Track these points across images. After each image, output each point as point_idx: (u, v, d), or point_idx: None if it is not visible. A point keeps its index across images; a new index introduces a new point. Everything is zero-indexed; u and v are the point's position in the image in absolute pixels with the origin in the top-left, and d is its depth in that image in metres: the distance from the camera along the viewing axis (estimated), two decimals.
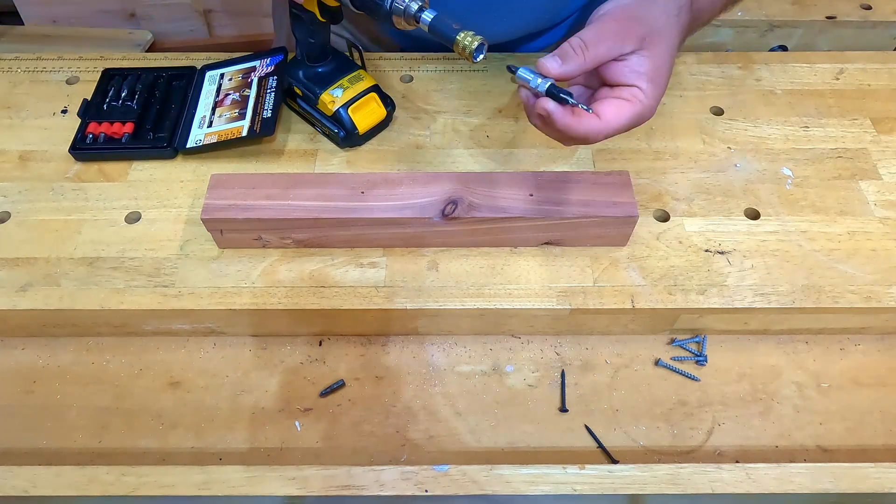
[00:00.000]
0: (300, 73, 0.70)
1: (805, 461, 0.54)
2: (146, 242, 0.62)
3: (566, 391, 0.58)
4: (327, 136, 0.71)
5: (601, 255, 0.61)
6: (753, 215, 0.64)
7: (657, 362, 0.60)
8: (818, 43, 1.16)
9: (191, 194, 0.66)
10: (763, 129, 0.72)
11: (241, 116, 0.70)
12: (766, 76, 0.78)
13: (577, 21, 0.84)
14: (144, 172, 0.68)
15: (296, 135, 0.72)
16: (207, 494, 0.49)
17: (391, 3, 0.52)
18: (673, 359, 0.60)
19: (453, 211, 0.59)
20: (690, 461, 0.55)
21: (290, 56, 0.74)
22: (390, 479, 0.49)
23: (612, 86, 0.50)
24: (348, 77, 0.69)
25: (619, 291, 0.58)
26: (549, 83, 0.48)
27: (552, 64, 0.48)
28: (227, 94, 0.73)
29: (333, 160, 0.69)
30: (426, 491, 0.49)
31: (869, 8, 1.15)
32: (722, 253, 0.61)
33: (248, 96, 0.72)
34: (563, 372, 0.59)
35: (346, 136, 0.68)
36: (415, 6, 0.51)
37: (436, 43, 0.52)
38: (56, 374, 0.60)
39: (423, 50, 0.81)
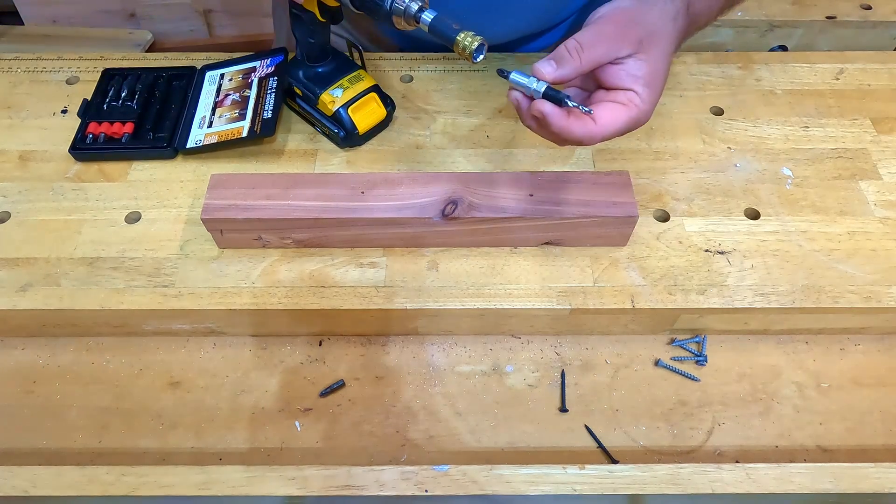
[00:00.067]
0: (300, 73, 0.70)
1: (805, 461, 0.54)
2: (146, 242, 0.62)
3: (566, 391, 0.58)
4: (327, 136, 0.71)
5: (601, 255, 0.61)
6: (753, 215, 0.64)
7: (657, 362, 0.60)
8: (818, 43, 1.16)
9: (191, 194, 0.66)
10: (763, 129, 0.72)
11: (242, 117, 0.70)
12: (766, 76, 0.78)
13: (576, 22, 0.84)
14: (144, 172, 0.68)
15: (296, 135, 0.72)
16: (207, 494, 0.49)
17: (391, 3, 0.52)
18: (673, 359, 0.60)
19: (453, 211, 0.59)
20: (690, 461, 0.55)
21: (290, 56, 0.75)
22: (390, 479, 0.49)
23: (607, 89, 0.50)
24: (348, 77, 0.69)
25: (619, 291, 0.58)
26: (545, 86, 0.47)
27: (547, 68, 0.48)
28: (227, 95, 0.73)
29: (333, 160, 0.69)
30: (426, 491, 0.49)
31: (869, 8, 1.15)
32: (722, 253, 0.61)
33: (249, 97, 0.72)
34: (563, 372, 0.59)
35: (346, 136, 0.68)
36: (415, 6, 0.51)
37: (435, 44, 0.52)
38: (56, 374, 0.60)
39: (422, 51, 0.81)
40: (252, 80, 0.74)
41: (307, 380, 0.59)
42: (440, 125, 0.73)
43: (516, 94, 0.49)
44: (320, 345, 0.61)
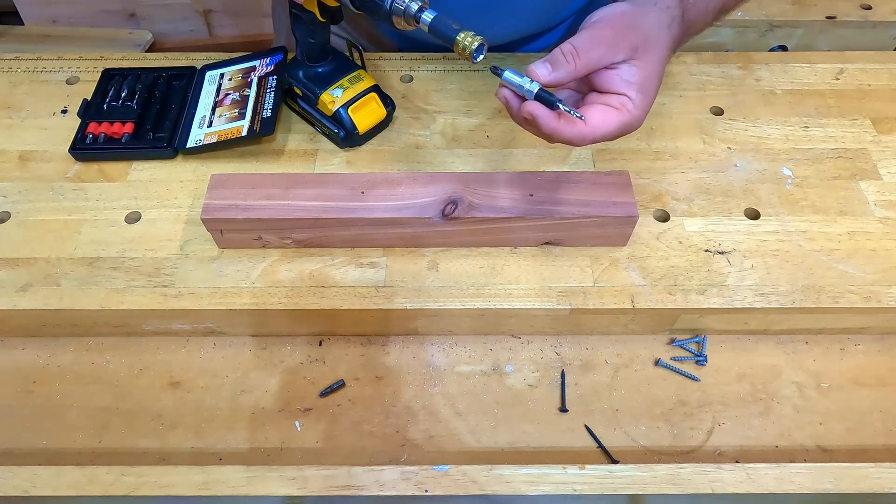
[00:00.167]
0: (300, 73, 0.70)
1: (805, 461, 0.54)
2: (146, 242, 0.62)
3: (566, 391, 0.58)
4: (327, 136, 0.71)
5: (601, 255, 0.61)
6: (753, 215, 0.64)
7: (657, 362, 0.60)
8: (818, 43, 1.16)
9: (191, 194, 0.66)
10: (763, 129, 0.72)
11: (241, 116, 0.70)
12: (766, 76, 0.78)
13: (576, 23, 0.84)
14: (144, 172, 0.68)
15: (296, 135, 0.72)
16: (207, 494, 0.49)
17: (391, 3, 0.52)
18: (673, 359, 0.60)
19: (453, 211, 0.59)
20: (690, 461, 0.55)
21: (290, 56, 0.74)
22: (390, 479, 0.49)
23: (601, 92, 0.50)
24: (348, 77, 0.69)
25: (619, 291, 0.58)
26: (538, 87, 0.47)
27: (542, 70, 0.48)
28: (226, 94, 0.73)
29: (333, 160, 0.69)
30: (426, 491, 0.49)
31: (869, 8, 1.15)
32: (722, 253, 0.61)
33: (248, 96, 0.72)
34: (563, 372, 0.59)
35: (346, 136, 0.68)
36: (415, 6, 0.51)
37: (434, 45, 0.52)
38: (56, 374, 0.59)
39: (421, 51, 0.81)
40: (251, 80, 0.74)
41: (307, 380, 0.59)
42: (440, 125, 0.73)
43: (506, 93, 0.49)
44: (320, 345, 0.61)
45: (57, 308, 0.58)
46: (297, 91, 0.71)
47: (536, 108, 0.47)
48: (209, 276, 0.60)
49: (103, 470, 0.50)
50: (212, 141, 0.68)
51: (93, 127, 0.70)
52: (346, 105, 0.67)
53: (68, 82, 0.77)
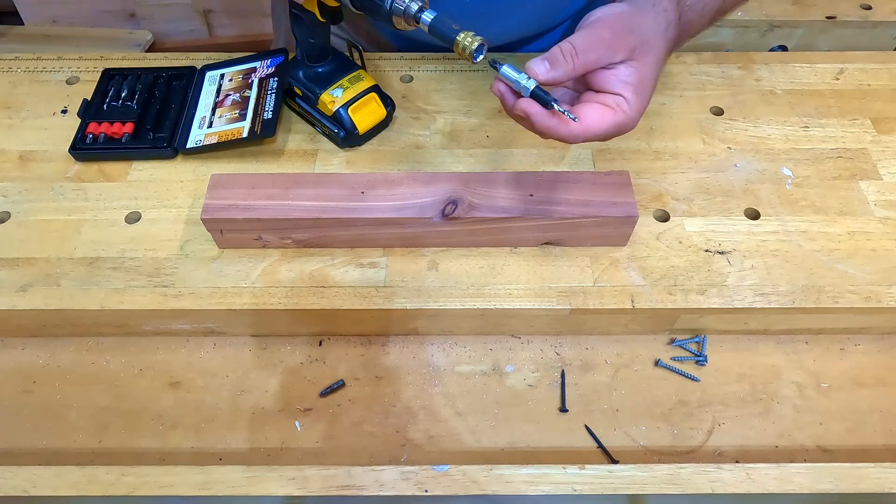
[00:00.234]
0: (300, 73, 0.70)
1: (805, 461, 0.54)
2: (146, 242, 0.62)
3: (566, 391, 0.58)
4: (327, 136, 0.71)
5: (601, 255, 0.61)
6: (753, 215, 0.64)
7: (657, 362, 0.60)
8: (818, 43, 1.16)
9: (191, 194, 0.66)
10: (763, 129, 0.72)
11: (242, 117, 0.70)
12: (766, 76, 0.78)
13: (574, 24, 0.84)
14: (144, 172, 0.68)
15: (296, 135, 0.72)
16: (207, 494, 0.49)
17: (391, 3, 0.52)
18: (673, 359, 0.60)
19: (453, 211, 0.59)
20: (690, 461, 0.55)
21: (291, 56, 0.74)
22: (390, 479, 0.49)
23: (596, 91, 0.50)
24: (348, 77, 0.69)
25: (619, 291, 0.58)
26: (535, 85, 0.47)
27: (541, 68, 0.48)
28: (227, 95, 0.73)
29: (333, 160, 0.69)
30: (426, 491, 0.49)
31: (869, 8, 1.15)
32: (722, 253, 0.61)
33: (249, 97, 0.72)
34: (563, 372, 0.59)
35: (346, 136, 0.68)
36: (415, 6, 0.51)
37: (433, 46, 0.52)
38: (56, 374, 0.59)
39: (421, 52, 0.81)
40: (252, 81, 0.74)
41: (307, 380, 0.59)
42: (440, 125, 0.73)
43: (501, 87, 0.49)
44: (320, 345, 0.61)
45: (57, 308, 0.58)
46: (297, 91, 0.71)
47: (530, 107, 0.47)
48: (209, 276, 0.60)
49: (103, 470, 0.50)
50: (212, 142, 0.68)
51: (93, 127, 0.70)
52: (346, 105, 0.67)
53: (68, 82, 0.77)
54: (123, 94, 0.73)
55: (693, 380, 0.59)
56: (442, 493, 0.49)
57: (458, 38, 0.49)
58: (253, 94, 0.72)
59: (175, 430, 0.57)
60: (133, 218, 0.64)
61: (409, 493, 0.49)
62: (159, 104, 0.73)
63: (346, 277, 0.60)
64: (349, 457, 0.55)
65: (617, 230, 0.60)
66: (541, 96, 0.47)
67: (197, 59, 0.78)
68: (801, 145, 0.70)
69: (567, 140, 0.49)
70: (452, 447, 0.56)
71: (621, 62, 0.49)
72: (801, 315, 0.59)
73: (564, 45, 0.48)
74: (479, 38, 0.49)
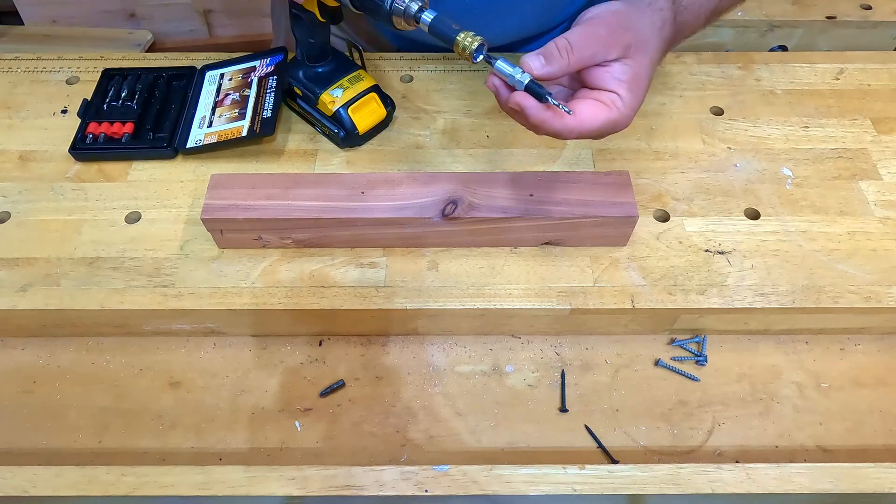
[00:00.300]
0: (300, 73, 0.70)
1: (805, 461, 0.54)
2: (146, 242, 0.62)
3: (566, 391, 0.58)
4: (327, 136, 0.71)
5: (601, 255, 0.61)
6: (753, 215, 0.64)
7: (657, 362, 0.60)
8: (818, 43, 1.16)
9: (191, 194, 0.66)
10: (763, 129, 0.72)
11: (241, 116, 0.70)
12: (766, 76, 0.78)
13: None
14: (144, 172, 0.68)
15: (296, 135, 0.72)
16: (207, 494, 0.49)
17: (391, 3, 0.52)
18: (673, 359, 0.60)
19: (453, 211, 0.59)
20: (690, 461, 0.55)
21: (290, 56, 0.74)
22: (390, 479, 0.49)
23: (591, 88, 0.50)
24: (348, 77, 0.69)
25: (619, 291, 0.58)
26: (529, 79, 0.47)
27: (536, 63, 0.48)
28: (227, 94, 0.73)
29: (333, 160, 0.69)
30: (426, 491, 0.49)
31: (869, 8, 1.15)
32: (722, 253, 0.61)
33: (248, 96, 0.72)
34: (563, 372, 0.59)
35: (346, 136, 0.68)
36: (415, 6, 0.51)
37: (433, 46, 0.52)
38: (56, 374, 0.59)
39: (421, 52, 0.81)
40: (252, 80, 0.74)
41: (307, 380, 0.59)
42: (440, 125, 0.73)
43: (495, 81, 0.49)
44: (320, 345, 0.61)
45: (57, 308, 0.58)
46: (297, 91, 0.71)
47: (524, 99, 0.47)
48: (209, 276, 0.60)
49: (103, 470, 0.50)
50: (212, 141, 0.68)
51: (93, 127, 0.70)
52: (346, 105, 0.67)
53: (68, 82, 0.77)
54: (123, 94, 0.73)
55: (693, 380, 0.59)
56: (442, 493, 0.49)
57: (457, 38, 0.49)
58: (252, 92, 0.72)
59: (175, 430, 0.57)
60: (133, 218, 0.64)
61: (409, 493, 0.49)
62: (159, 104, 0.73)
63: (346, 277, 0.60)
64: (349, 457, 0.55)
65: (617, 230, 0.60)
66: (535, 89, 0.47)
67: (197, 59, 0.78)
68: (801, 145, 0.70)
69: (561, 135, 0.49)
70: (452, 447, 0.56)
71: (616, 59, 0.49)
72: (801, 315, 0.59)
73: (560, 40, 0.48)
74: (478, 38, 0.49)
